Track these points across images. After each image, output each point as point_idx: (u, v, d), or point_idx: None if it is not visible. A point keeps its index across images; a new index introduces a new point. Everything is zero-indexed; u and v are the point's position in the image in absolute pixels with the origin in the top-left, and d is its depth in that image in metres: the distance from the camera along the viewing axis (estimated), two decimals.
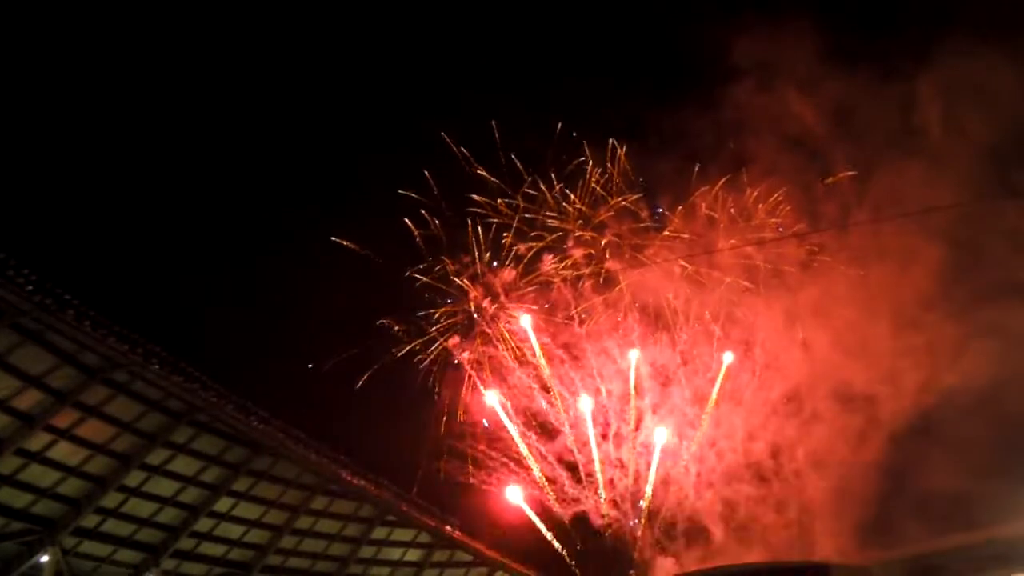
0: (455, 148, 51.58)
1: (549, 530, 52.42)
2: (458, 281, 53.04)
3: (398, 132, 54.98)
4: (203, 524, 39.85)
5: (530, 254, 53.27)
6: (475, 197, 52.18)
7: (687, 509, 53.95)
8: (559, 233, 53.43)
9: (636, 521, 53.51)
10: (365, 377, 51.36)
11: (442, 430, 52.94)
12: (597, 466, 53.23)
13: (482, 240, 52.75)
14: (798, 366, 52.78)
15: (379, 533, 46.91)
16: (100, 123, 47.79)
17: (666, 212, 54.21)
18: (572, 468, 53.65)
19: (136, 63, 49.47)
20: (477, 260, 52.96)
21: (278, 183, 54.55)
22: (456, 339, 53.18)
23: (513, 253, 53.08)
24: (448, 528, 48.39)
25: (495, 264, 53.45)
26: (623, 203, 53.37)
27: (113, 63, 48.32)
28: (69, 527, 34.56)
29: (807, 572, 39.16)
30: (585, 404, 53.19)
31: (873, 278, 50.46)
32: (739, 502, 53.22)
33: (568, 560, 52.47)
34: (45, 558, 34.72)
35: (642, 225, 54.18)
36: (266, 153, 54.11)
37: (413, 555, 48.87)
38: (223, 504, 40.22)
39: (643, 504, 53.48)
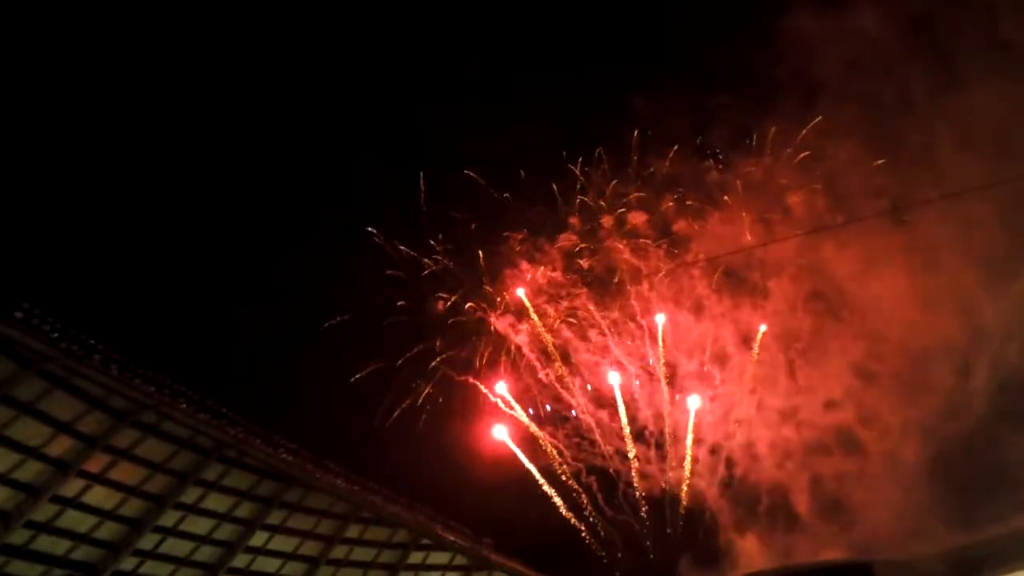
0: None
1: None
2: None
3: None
4: (240, 560, 39.97)
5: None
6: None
7: (766, 482, 52.41)
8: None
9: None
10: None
11: None
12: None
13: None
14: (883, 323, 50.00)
15: (415, 558, 46.62)
16: (113, 164, 48.58)
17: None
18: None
19: (162, 92, 50.34)
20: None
21: (295, 213, 54.94)
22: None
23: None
24: (483, 548, 48.13)
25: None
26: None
27: (133, 92, 49.21)
28: (108, 571, 34.80)
29: (851, 570, 38.48)
30: None
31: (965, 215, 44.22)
32: (821, 475, 51.00)
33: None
34: None
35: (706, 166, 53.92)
36: (279, 178, 54.81)
37: None
38: (258, 538, 40.38)
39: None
